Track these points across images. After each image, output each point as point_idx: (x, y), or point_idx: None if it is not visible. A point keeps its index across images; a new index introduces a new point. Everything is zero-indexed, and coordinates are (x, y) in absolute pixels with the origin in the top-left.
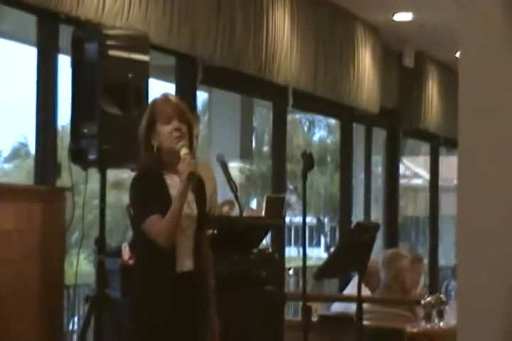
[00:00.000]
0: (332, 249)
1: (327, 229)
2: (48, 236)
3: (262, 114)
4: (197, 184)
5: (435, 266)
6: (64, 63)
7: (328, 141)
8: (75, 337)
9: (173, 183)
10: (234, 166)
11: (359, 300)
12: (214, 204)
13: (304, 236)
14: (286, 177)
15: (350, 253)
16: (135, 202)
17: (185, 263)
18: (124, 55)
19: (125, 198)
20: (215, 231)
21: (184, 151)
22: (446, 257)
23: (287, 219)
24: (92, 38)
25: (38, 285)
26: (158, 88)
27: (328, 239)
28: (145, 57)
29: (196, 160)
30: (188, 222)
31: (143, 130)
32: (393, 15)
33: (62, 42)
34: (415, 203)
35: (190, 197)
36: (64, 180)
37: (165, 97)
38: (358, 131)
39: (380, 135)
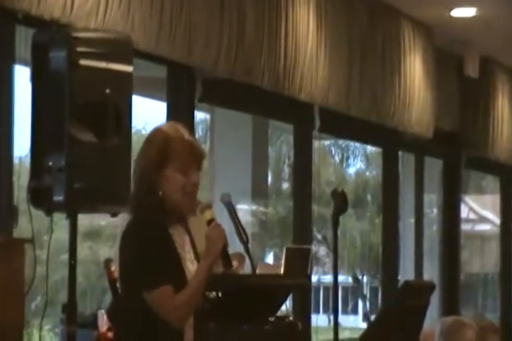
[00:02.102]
0: (373, 317)
1: (366, 290)
2: (2, 302)
3: (281, 140)
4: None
5: (509, 337)
6: (22, 76)
7: (367, 174)
8: None
9: (180, 240)
10: (244, 209)
11: None
12: None
13: (336, 300)
14: (313, 222)
15: (397, 322)
16: (136, 263)
17: (190, 333)
18: (101, 64)
19: (102, 252)
20: (219, 294)
21: (209, 215)
22: None
23: (314, 278)
24: (59, 43)
25: None
26: (145, 108)
27: (367, 304)
28: (127, 68)
29: (224, 228)
30: None
31: (147, 172)
32: (451, 10)
33: (20, 49)
34: (482, 256)
35: (191, 253)
36: (22, 229)
37: (181, 134)
38: (406, 161)
39: (434, 166)
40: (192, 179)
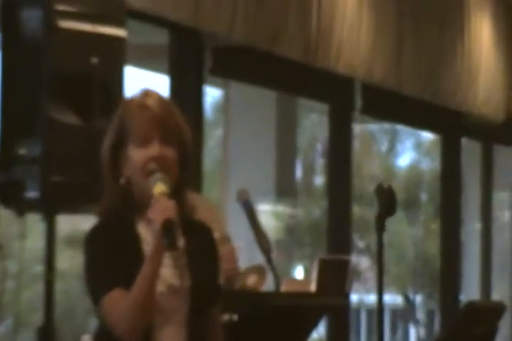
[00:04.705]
0: None
1: (420, 314)
2: None
3: (313, 123)
4: (192, 236)
5: None
6: None
7: (422, 167)
8: None
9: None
10: (266, 210)
11: None
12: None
13: (381, 326)
14: (352, 227)
15: None
16: (90, 269)
17: None
18: (86, 27)
19: None
20: (235, 318)
21: (159, 188)
22: None
23: (354, 298)
24: (33, 0)
25: None
26: (142, 82)
27: (421, 331)
28: (119, 32)
29: (173, 202)
30: (174, 302)
31: (106, 153)
32: None
33: None
34: None
35: (179, 259)
36: None
37: (143, 99)
38: (471, 151)
39: (506, 157)
40: (153, 152)
